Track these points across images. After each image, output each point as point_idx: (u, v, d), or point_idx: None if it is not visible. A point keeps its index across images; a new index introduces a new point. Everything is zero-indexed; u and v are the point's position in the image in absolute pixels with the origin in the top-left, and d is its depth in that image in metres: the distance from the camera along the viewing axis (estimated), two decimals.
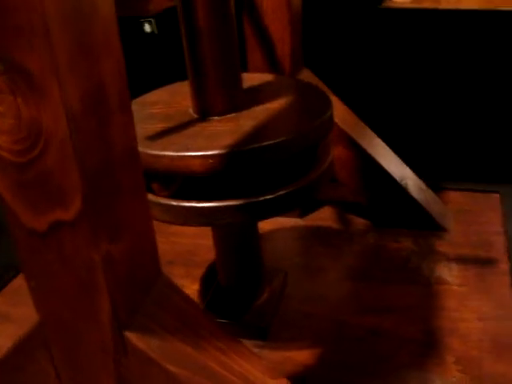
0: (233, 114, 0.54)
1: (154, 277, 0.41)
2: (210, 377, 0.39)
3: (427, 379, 0.56)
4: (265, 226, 0.80)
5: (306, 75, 0.74)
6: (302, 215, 0.81)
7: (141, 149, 0.48)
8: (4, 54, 0.29)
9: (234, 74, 0.54)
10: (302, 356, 0.60)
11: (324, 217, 0.81)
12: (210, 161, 0.47)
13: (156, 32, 1.32)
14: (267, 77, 0.62)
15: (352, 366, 0.58)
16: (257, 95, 0.57)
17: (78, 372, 0.41)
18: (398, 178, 0.73)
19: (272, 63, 0.71)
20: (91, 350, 0.39)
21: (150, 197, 0.51)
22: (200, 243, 0.78)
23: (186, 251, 0.76)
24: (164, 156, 0.48)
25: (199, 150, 0.47)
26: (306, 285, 0.69)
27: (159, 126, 0.53)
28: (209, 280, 0.70)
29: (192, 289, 0.70)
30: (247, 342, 0.62)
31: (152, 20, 1.29)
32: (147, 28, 1.28)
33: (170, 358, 0.38)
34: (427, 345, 0.60)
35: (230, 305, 0.64)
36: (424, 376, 0.56)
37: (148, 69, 1.07)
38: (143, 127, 0.53)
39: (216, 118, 0.54)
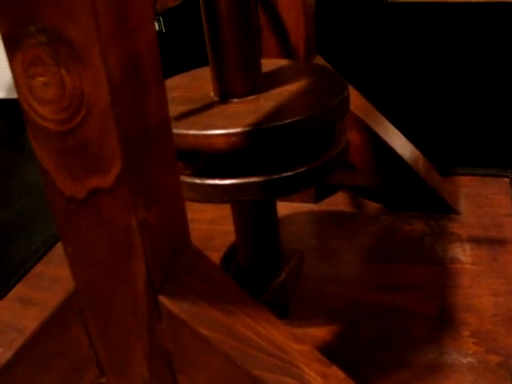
0: (253, 96, 0.56)
1: (184, 245, 0.42)
2: (238, 339, 0.41)
3: (443, 352, 0.58)
4: (281, 210, 0.81)
5: (320, 63, 0.76)
6: (316, 200, 0.83)
7: None
8: (47, 26, 0.31)
9: (254, 57, 0.56)
10: (320, 332, 0.62)
11: (338, 202, 0.83)
12: (234, 138, 0.49)
13: (164, 30, 1.34)
14: (284, 62, 0.64)
15: (369, 340, 0.60)
16: (275, 78, 0.59)
17: (112, 340, 0.43)
18: (410, 162, 0.74)
19: (286, 51, 0.73)
20: (125, 316, 0.41)
21: None
22: (217, 228, 0.80)
23: (203, 236, 0.78)
24: (188, 135, 0.50)
25: (222, 128, 0.49)
26: (322, 265, 0.71)
27: (181, 108, 0.55)
28: (228, 262, 0.72)
29: None
30: None
31: (160, 18, 1.31)
32: (155, 26, 1.30)
33: (202, 321, 0.40)
34: (442, 320, 0.61)
35: (250, 284, 0.66)
36: (440, 349, 0.58)
37: None
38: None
39: (236, 100, 0.56)
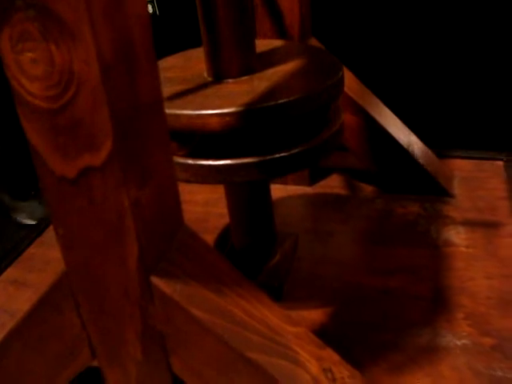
0: (247, 77, 0.55)
1: (177, 225, 0.42)
2: (232, 321, 0.40)
3: (438, 334, 0.58)
4: (275, 193, 0.81)
5: (314, 44, 0.75)
6: (310, 183, 0.82)
7: None
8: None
9: (248, 37, 0.55)
10: (315, 315, 0.61)
11: (332, 184, 0.82)
12: (227, 118, 0.48)
13: (158, 13, 1.32)
14: (278, 42, 0.63)
15: (364, 322, 0.60)
16: (269, 59, 0.58)
17: (104, 322, 0.42)
18: (404, 145, 0.74)
19: (281, 31, 0.72)
20: (117, 297, 0.40)
21: None
22: (211, 211, 0.79)
23: (197, 219, 0.77)
24: (181, 115, 0.49)
25: (216, 108, 0.48)
26: (316, 248, 0.71)
27: (175, 88, 0.54)
28: (222, 244, 0.71)
29: None
30: None
31: (153, 1, 1.30)
32: (149, 9, 1.29)
33: (195, 302, 0.39)
34: (437, 302, 0.61)
35: (244, 266, 0.65)
36: (435, 331, 0.58)
37: None
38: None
39: (230, 80, 0.55)
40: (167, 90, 0.54)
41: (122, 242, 0.37)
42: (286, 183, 0.82)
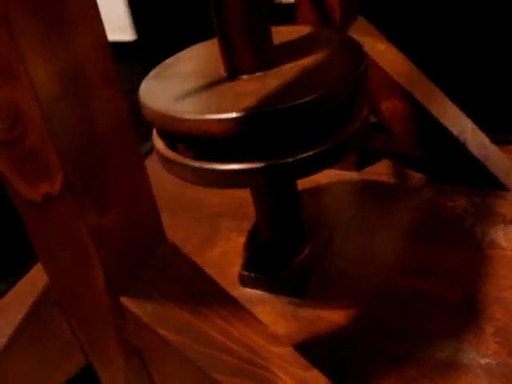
0: (261, 73, 0.52)
1: (156, 243, 0.42)
2: (207, 344, 0.40)
3: (460, 349, 0.54)
4: (321, 178, 0.78)
5: (361, 24, 0.70)
6: (358, 168, 0.78)
7: (164, 110, 0.49)
8: None
9: (261, 31, 0.52)
10: (335, 316, 0.59)
11: (381, 171, 0.78)
12: (227, 124, 0.47)
13: None
14: (302, 30, 0.59)
15: (384, 329, 0.57)
16: (289, 51, 0.55)
17: (89, 330, 0.44)
18: (456, 133, 0.68)
19: (321, 13, 0.67)
20: (94, 313, 0.41)
21: (175, 157, 0.52)
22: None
23: (236, 204, 0.77)
24: (183, 119, 0.48)
25: (217, 112, 0.47)
26: (352, 242, 0.68)
27: (186, 85, 0.53)
28: (256, 235, 0.71)
29: (238, 242, 0.71)
30: (283, 299, 0.62)
31: None
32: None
33: (166, 323, 0.39)
34: (467, 311, 0.57)
35: (269, 261, 0.64)
36: (456, 345, 0.54)
37: None
38: (172, 85, 0.54)
39: (245, 76, 0.53)
40: (178, 87, 0.53)
41: (88, 266, 0.37)
42: (333, 168, 0.79)
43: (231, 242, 0.71)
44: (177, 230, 0.75)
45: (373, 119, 0.75)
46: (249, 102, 0.48)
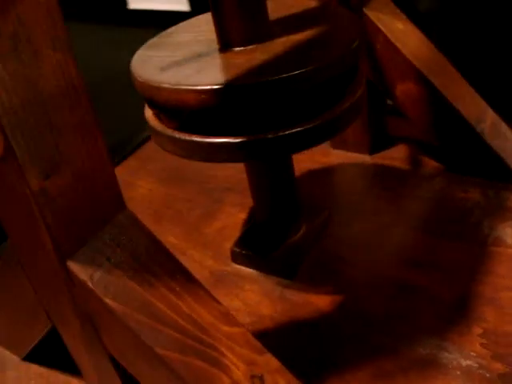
0: (253, 46, 0.51)
1: (112, 212, 0.41)
2: (149, 315, 0.40)
3: (442, 347, 0.51)
4: (332, 159, 0.76)
5: (382, 1, 0.66)
6: (371, 152, 0.75)
7: (146, 79, 0.49)
8: None
9: (254, 3, 0.50)
10: (321, 301, 0.58)
11: (395, 155, 0.75)
12: (203, 96, 0.46)
13: None
14: (302, 3, 0.57)
15: (369, 320, 0.55)
16: (284, 25, 0.53)
17: (47, 293, 0.44)
18: (473, 122, 0.64)
19: None
20: (48, 276, 0.41)
21: (158, 127, 0.51)
22: None
23: (244, 179, 0.75)
24: (162, 88, 0.47)
25: (193, 84, 0.46)
26: (353, 227, 0.66)
27: (177, 55, 0.52)
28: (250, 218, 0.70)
29: (239, 217, 0.70)
30: (273, 279, 0.61)
31: None
32: None
33: (111, 292, 0.39)
34: (458, 309, 0.54)
35: (262, 240, 0.63)
36: (439, 343, 0.52)
37: None
38: (163, 55, 0.53)
39: (236, 49, 0.51)
40: (169, 57, 0.52)
41: (36, 228, 0.38)
42: (346, 149, 0.76)
43: (232, 217, 0.71)
44: (182, 201, 0.75)
45: (390, 102, 0.72)
46: (229, 74, 0.46)
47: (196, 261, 0.65)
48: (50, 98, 0.35)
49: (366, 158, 0.75)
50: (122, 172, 0.81)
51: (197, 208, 0.73)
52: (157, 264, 0.42)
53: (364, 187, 0.72)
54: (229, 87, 0.45)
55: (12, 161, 0.34)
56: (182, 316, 0.41)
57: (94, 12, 1.79)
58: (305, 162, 0.75)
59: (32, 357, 0.57)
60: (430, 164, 0.72)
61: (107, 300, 0.39)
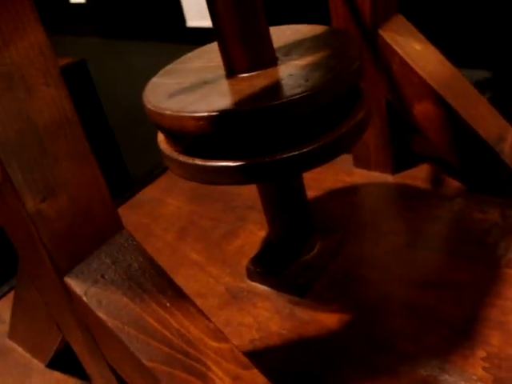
0: (255, 73, 0.53)
1: (109, 232, 0.44)
2: (140, 329, 0.42)
3: (443, 369, 0.51)
4: (354, 178, 0.77)
5: (397, 22, 0.67)
6: (394, 171, 0.76)
7: (154, 106, 0.52)
8: None
9: (256, 32, 0.52)
10: (329, 320, 0.59)
11: (417, 175, 0.74)
12: (201, 122, 0.48)
13: None
14: (304, 29, 0.59)
15: (374, 340, 0.56)
16: (288, 51, 0.55)
17: (52, 304, 0.48)
18: (493, 141, 0.63)
19: (354, 10, 0.66)
20: (51, 288, 0.45)
21: (167, 151, 0.54)
22: None
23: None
24: (165, 115, 0.50)
25: (192, 110, 0.48)
26: (368, 247, 0.66)
27: (186, 81, 0.55)
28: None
29: (258, 235, 0.72)
30: (285, 297, 0.63)
31: None
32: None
33: (104, 306, 0.42)
34: (462, 332, 0.54)
35: (275, 258, 0.65)
36: (441, 365, 0.51)
37: None
38: (174, 82, 0.56)
39: (240, 75, 0.53)
40: (177, 84, 0.55)
41: (35, 246, 0.41)
42: (369, 168, 0.77)
43: (252, 235, 0.73)
44: (207, 219, 0.78)
45: None
46: (228, 101, 0.49)
47: (213, 277, 0.67)
48: (44, 129, 0.39)
49: (388, 178, 0.75)
50: (153, 190, 0.86)
51: (220, 225, 0.76)
52: (149, 281, 0.45)
53: (384, 207, 0.72)
54: (225, 114, 0.47)
55: (9, 185, 0.38)
56: (170, 330, 0.43)
57: (154, 30, 1.87)
58: (327, 180, 0.76)
59: (57, 364, 0.62)
60: (453, 184, 0.71)
61: (100, 314, 0.42)
